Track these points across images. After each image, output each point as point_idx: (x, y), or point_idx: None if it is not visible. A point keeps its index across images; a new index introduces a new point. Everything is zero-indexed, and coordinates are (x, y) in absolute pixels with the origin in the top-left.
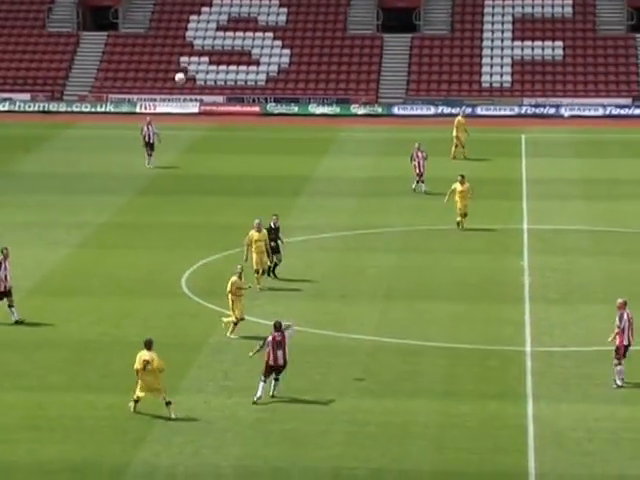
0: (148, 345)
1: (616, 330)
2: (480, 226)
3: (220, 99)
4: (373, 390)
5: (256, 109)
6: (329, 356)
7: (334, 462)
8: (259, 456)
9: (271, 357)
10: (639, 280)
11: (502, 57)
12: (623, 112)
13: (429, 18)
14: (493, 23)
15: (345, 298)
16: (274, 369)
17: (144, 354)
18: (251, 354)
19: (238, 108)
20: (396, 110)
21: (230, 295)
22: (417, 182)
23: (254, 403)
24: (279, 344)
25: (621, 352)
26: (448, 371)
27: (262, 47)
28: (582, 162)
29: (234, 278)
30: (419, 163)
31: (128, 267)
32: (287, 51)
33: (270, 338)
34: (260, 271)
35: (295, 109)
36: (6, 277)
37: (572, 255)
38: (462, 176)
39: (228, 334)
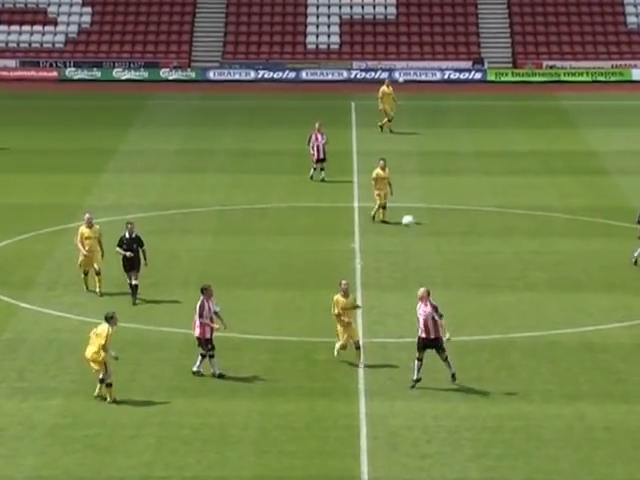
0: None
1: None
2: (306, 204)
3: (12, 63)
4: (186, 389)
5: (54, 74)
6: (138, 352)
7: (143, 470)
8: (58, 465)
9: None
10: (479, 264)
11: (329, 16)
12: (462, 77)
13: None
14: None
15: (155, 287)
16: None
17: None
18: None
19: (33, 73)
20: (211, 75)
21: (336, 318)
22: (315, 169)
23: (193, 373)
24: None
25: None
26: (270, 366)
27: (60, 4)
28: (418, 132)
29: (337, 296)
30: (319, 147)
31: None
32: (88, 9)
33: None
34: (87, 273)
35: (98, 74)
36: None
37: (407, 236)
38: (384, 160)
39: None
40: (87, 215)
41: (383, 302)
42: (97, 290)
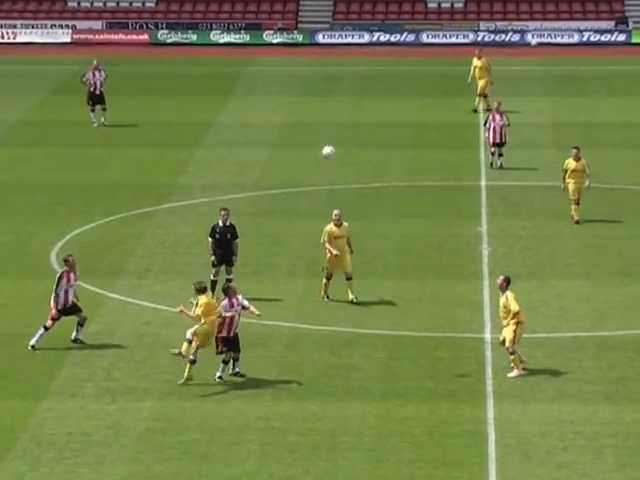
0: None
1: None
2: (427, 182)
3: (98, 25)
4: (293, 390)
5: (144, 37)
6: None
7: None
8: (151, 475)
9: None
10: (622, 249)
11: None
12: (604, 38)
13: None
14: None
15: (257, 276)
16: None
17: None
18: None
19: (121, 36)
20: (320, 38)
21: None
22: (493, 154)
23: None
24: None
25: None
26: (387, 365)
27: None
28: (553, 101)
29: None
30: (495, 129)
31: None
32: None
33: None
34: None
35: (193, 37)
36: None
37: (541, 218)
38: (577, 148)
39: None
40: (336, 211)
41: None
42: (350, 297)
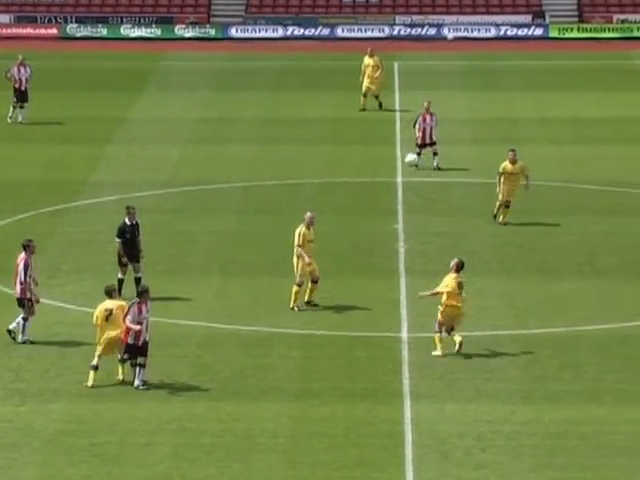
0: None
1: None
2: (343, 179)
3: (6, 18)
4: (207, 391)
5: (53, 31)
6: (150, 349)
7: None
8: (62, 477)
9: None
10: (541, 247)
11: None
12: (521, 33)
13: None
14: None
15: (170, 275)
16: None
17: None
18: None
19: (29, 30)
20: (233, 32)
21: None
22: (418, 154)
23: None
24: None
25: None
26: (303, 364)
27: None
28: (470, 96)
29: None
30: (425, 130)
31: None
32: None
33: (136, 308)
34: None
35: (103, 31)
36: None
37: (460, 215)
38: (514, 151)
39: None
40: (310, 213)
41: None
42: (308, 298)
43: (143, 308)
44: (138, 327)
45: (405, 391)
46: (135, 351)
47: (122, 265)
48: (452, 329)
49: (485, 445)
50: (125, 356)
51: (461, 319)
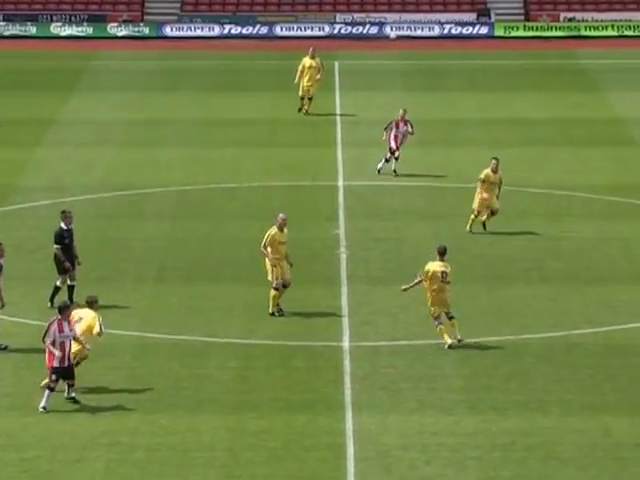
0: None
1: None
2: (281, 182)
3: None
4: (141, 403)
5: None
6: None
7: None
8: None
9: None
10: (486, 253)
11: None
12: (465, 31)
13: None
14: None
15: (103, 282)
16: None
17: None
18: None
19: None
20: (168, 31)
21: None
22: (387, 160)
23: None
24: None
25: None
26: (241, 375)
27: None
28: (413, 97)
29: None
30: (397, 137)
31: None
32: None
33: (55, 326)
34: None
35: (32, 30)
36: None
37: (402, 220)
38: (497, 160)
39: None
40: (282, 215)
41: (373, 298)
42: (273, 308)
43: (65, 326)
44: (58, 353)
45: (347, 402)
46: (62, 374)
47: (64, 272)
48: (450, 315)
49: (430, 457)
50: (52, 384)
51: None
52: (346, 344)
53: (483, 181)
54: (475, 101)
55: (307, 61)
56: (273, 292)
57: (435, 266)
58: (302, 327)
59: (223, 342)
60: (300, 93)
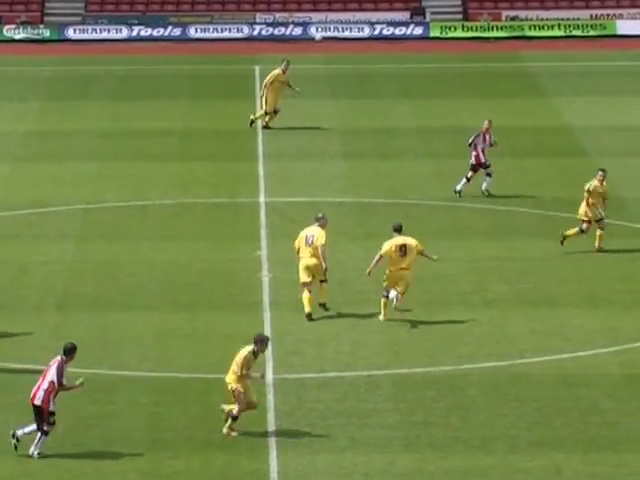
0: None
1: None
2: (198, 199)
3: None
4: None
5: None
6: None
7: None
8: None
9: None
10: (423, 275)
11: None
12: (398, 32)
13: None
14: None
15: (3, 309)
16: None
17: None
18: None
19: None
20: (71, 33)
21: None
22: (468, 179)
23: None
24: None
25: None
26: (153, 412)
27: None
28: (341, 104)
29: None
30: (483, 150)
31: None
32: None
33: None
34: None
35: None
36: None
37: (330, 238)
38: (603, 171)
39: None
40: (320, 214)
41: (299, 326)
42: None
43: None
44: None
45: (271, 441)
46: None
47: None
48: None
49: None
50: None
51: (407, 281)
52: (269, 377)
53: (590, 192)
54: (409, 108)
55: (280, 75)
56: (306, 294)
57: (392, 243)
58: (219, 358)
59: (134, 375)
60: (267, 108)
